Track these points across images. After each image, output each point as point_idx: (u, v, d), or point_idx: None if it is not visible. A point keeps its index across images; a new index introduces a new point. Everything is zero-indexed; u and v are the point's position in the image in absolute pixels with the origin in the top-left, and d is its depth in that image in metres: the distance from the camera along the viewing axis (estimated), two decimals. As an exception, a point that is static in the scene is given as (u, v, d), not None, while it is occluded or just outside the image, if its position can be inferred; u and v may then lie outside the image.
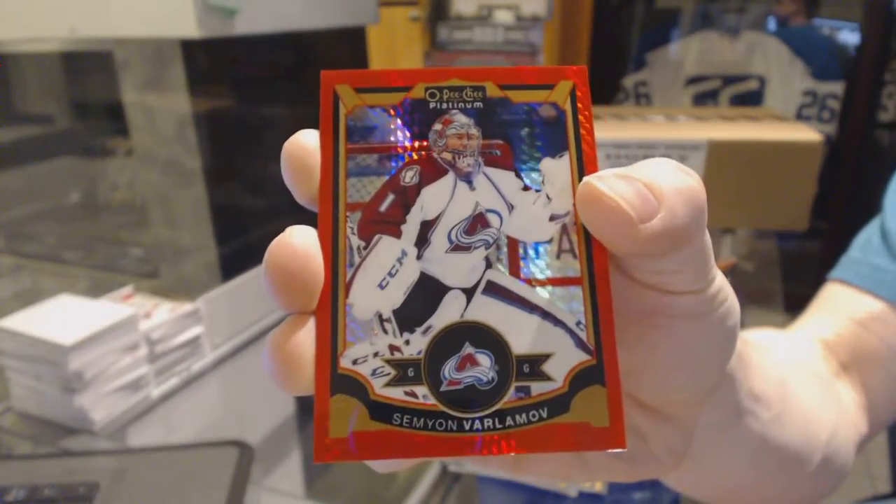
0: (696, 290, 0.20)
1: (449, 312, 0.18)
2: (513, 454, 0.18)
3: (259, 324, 0.80)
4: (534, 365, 0.18)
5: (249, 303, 0.91)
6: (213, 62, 0.95)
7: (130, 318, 0.60)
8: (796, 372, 0.33)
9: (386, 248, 0.19)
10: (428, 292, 0.18)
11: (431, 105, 0.20)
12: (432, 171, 0.19)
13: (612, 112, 1.21)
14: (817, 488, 0.34)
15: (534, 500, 0.51)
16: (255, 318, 0.81)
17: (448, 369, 0.18)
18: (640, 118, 1.14)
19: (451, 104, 0.20)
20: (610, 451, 0.18)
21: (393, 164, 0.19)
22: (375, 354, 0.18)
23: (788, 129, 1.04)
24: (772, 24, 1.78)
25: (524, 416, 0.18)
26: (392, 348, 0.18)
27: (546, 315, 0.18)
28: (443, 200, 0.19)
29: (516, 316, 0.18)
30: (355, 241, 0.19)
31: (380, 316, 0.18)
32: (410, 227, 0.19)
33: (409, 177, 0.19)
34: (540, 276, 0.19)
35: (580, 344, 0.18)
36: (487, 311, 0.18)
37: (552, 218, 0.19)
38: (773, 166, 1.01)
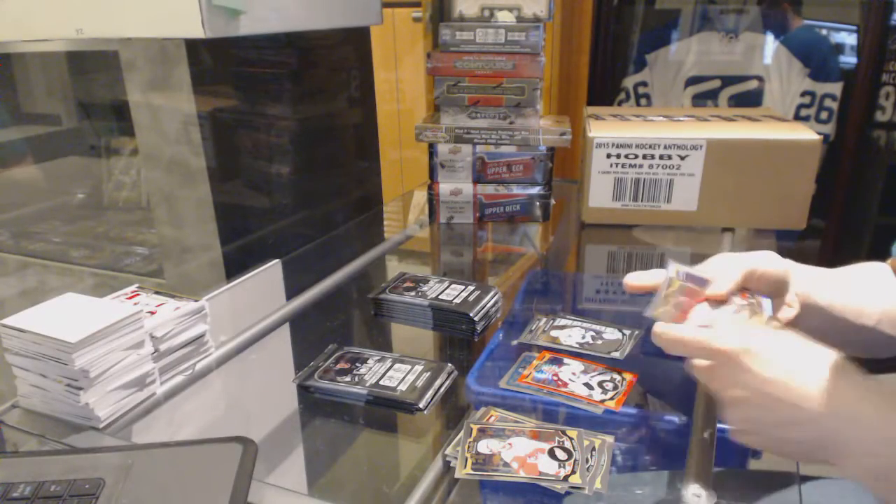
0: None
1: None
2: None
3: (263, 322, 0.81)
4: None
5: (253, 301, 0.91)
6: (217, 62, 0.95)
7: (135, 316, 0.61)
8: (863, 284, 0.62)
9: None
10: None
11: None
12: None
13: (613, 112, 1.21)
14: (878, 342, 0.60)
15: (535, 501, 0.51)
16: (259, 316, 0.82)
17: None
18: (640, 118, 1.15)
19: None
20: None
21: None
22: None
23: (787, 128, 1.05)
24: (771, 25, 1.78)
25: None
26: None
27: None
28: None
29: None
30: None
31: None
32: None
33: None
34: None
35: None
36: None
37: None
38: (772, 165, 1.02)
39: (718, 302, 0.56)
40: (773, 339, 0.47)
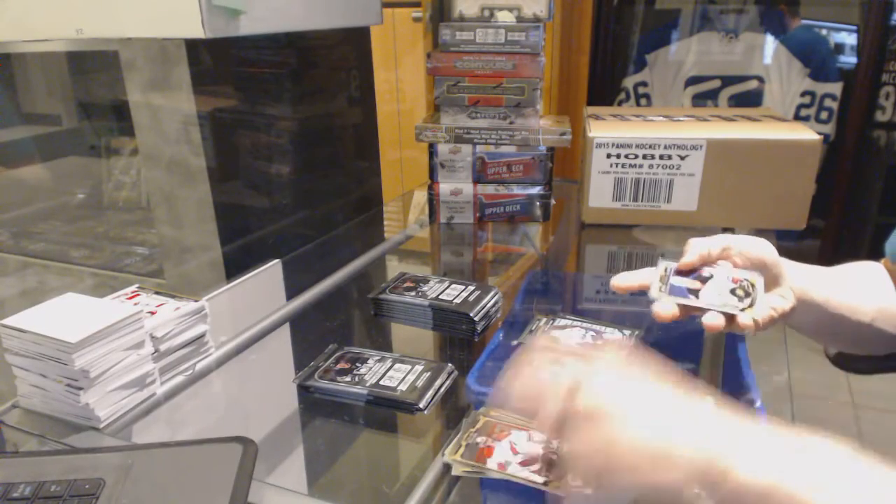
0: None
1: None
2: None
3: (263, 322, 0.81)
4: None
5: (253, 301, 0.91)
6: (217, 62, 0.95)
7: (135, 316, 0.61)
8: (856, 282, 0.64)
9: None
10: None
11: None
12: None
13: (613, 112, 1.22)
14: (873, 338, 0.61)
15: (535, 501, 0.51)
16: (259, 316, 0.82)
17: None
18: (640, 118, 1.15)
19: None
20: None
21: None
22: None
23: (787, 128, 1.05)
24: (771, 25, 1.78)
25: None
26: None
27: None
28: None
29: None
30: None
31: None
32: None
33: None
34: None
35: None
36: None
37: None
38: (772, 165, 1.02)
39: (710, 280, 0.56)
40: (632, 390, 0.42)
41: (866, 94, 1.70)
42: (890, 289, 0.65)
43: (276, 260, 1.00)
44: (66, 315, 0.60)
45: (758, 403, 0.59)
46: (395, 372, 0.66)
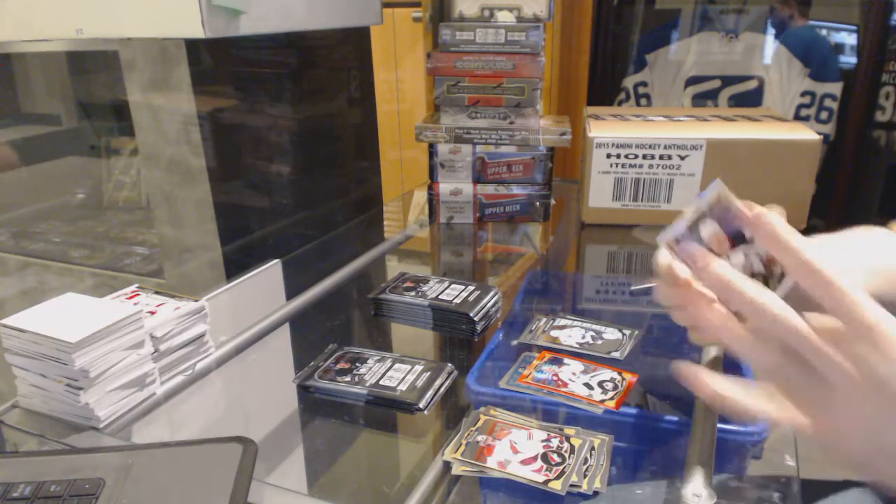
0: None
1: None
2: None
3: (263, 322, 0.81)
4: None
5: (253, 301, 0.91)
6: (217, 62, 0.95)
7: (135, 316, 0.61)
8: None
9: None
10: None
11: None
12: None
13: (613, 112, 1.21)
14: None
15: (536, 501, 0.51)
16: (259, 316, 0.82)
17: None
18: (640, 118, 1.15)
19: None
20: None
21: None
22: None
23: (787, 128, 1.05)
24: (771, 25, 1.78)
25: None
26: None
27: None
28: None
29: None
30: None
31: None
32: None
33: None
34: None
35: None
36: None
37: None
38: (772, 165, 1.02)
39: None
40: None
41: (866, 94, 1.70)
42: None
43: (276, 260, 1.00)
44: (66, 315, 0.60)
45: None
46: (395, 372, 0.66)
